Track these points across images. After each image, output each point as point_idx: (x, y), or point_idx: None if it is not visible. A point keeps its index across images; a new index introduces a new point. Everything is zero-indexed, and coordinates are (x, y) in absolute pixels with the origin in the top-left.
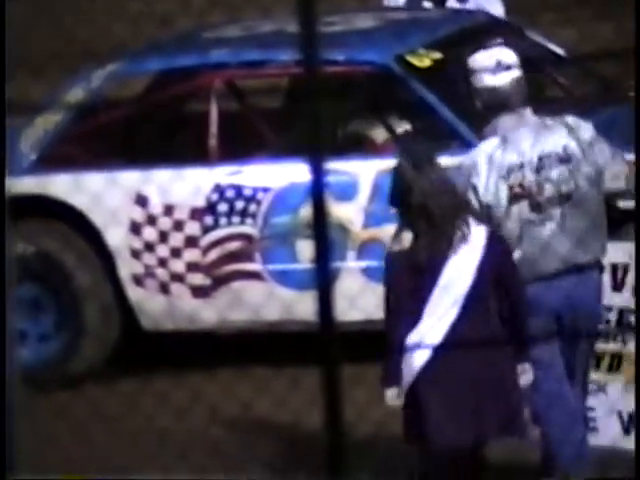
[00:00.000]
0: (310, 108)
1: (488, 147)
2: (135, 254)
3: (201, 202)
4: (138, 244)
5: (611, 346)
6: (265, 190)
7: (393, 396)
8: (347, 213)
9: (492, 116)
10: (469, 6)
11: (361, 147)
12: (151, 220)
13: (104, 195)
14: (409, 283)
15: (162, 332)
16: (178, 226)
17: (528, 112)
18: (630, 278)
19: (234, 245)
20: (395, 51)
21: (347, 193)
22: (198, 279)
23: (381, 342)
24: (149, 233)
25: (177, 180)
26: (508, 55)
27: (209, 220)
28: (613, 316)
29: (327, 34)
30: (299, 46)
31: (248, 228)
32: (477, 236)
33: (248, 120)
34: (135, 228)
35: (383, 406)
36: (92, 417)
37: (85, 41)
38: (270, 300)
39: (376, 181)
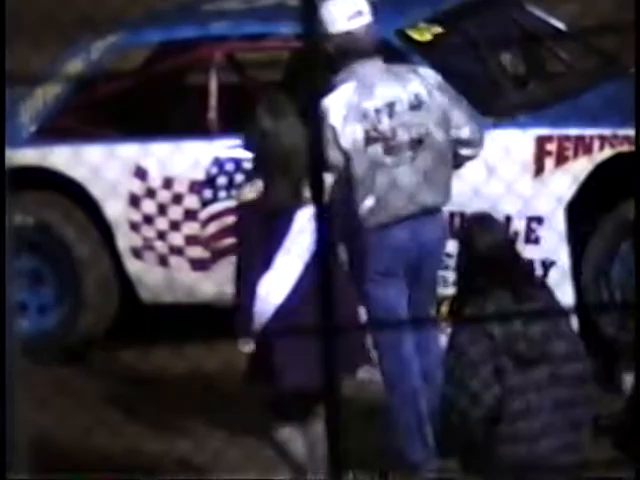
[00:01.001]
0: (310, 82)
1: (344, 91)
2: (134, 227)
3: (200, 175)
4: (137, 217)
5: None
6: None
7: (245, 342)
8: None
9: (347, 61)
10: None
11: None
12: (150, 193)
13: (103, 167)
14: (261, 231)
15: (161, 305)
16: (177, 199)
17: (379, 60)
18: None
19: (233, 218)
20: (395, 25)
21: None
22: (197, 252)
23: None
24: (148, 206)
25: (176, 153)
26: (360, 1)
27: (208, 193)
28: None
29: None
30: (299, 19)
31: None
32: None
33: (248, 93)
34: (134, 201)
35: None
36: (92, 388)
37: (85, 10)
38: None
39: None
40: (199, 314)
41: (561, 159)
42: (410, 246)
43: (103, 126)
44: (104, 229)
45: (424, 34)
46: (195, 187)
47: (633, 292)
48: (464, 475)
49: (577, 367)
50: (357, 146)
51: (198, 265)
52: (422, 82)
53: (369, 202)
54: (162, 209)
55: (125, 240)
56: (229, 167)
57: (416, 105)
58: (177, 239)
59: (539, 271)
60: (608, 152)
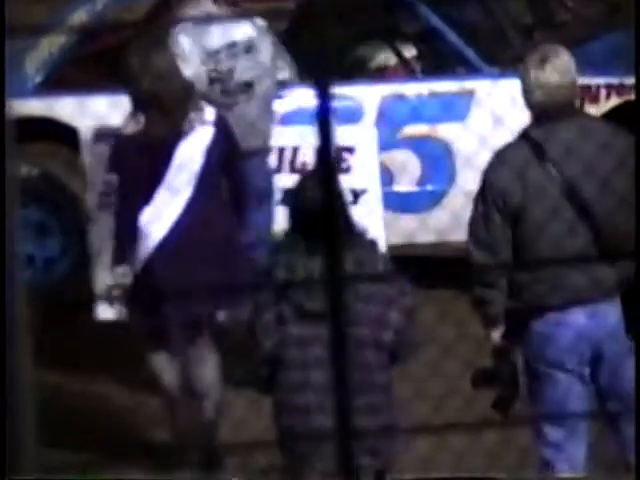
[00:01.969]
0: (317, 32)
1: (190, 33)
2: None
3: None
4: None
5: None
6: None
7: (121, 273)
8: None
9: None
10: None
11: (367, 72)
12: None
13: (108, 118)
14: (142, 164)
15: None
16: None
17: (210, 2)
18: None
19: None
20: None
21: (352, 118)
22: None
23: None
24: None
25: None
26: None
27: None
28: None
29: None
30: None
31: None
32: (207, 119)
33: None
34: None
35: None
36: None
37: None
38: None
39: (381, 106)
40: None
41: None
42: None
43: (108, 77)
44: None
45: None
46: None
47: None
48: None
49: (380, 333)
50: (200, 86)
51: None
52: (255, 28)
53: None
54: None
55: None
56: None
57: (248, 49)
58: None
59: (349, 198)
60: (615, 101)
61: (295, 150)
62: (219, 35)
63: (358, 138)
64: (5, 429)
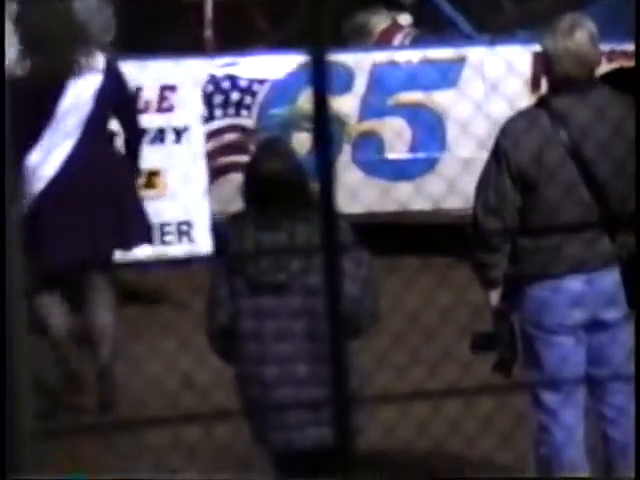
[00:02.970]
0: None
1: None
2: None
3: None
4: None
5: None
6: (261, 82)
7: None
8: (343, 106)
9: None
10: None
11: (360, 38)
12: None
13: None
14: (30, 106)
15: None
16: None
17: None
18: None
19: (230, 137)
20: None
21: (343, 85)
22: None
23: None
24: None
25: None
26: None
27: (204, 112)
28: None
29: None
30: None
31: (244, 120)
32: (97, 64)
33: (245, 10)
34: None
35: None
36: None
37: None
38: None
39: (372, 73)
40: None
41: None
42: None
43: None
44: None
45: None
46: None
47: None
48: None
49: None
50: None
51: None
52: None
53: None
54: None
55: None
56: (225, 85)
57: None
58: None
59: (171, 136)
60: (606, 67)
61: (137, 90)
62: None
63: (180, 76)
64: (5, 429)
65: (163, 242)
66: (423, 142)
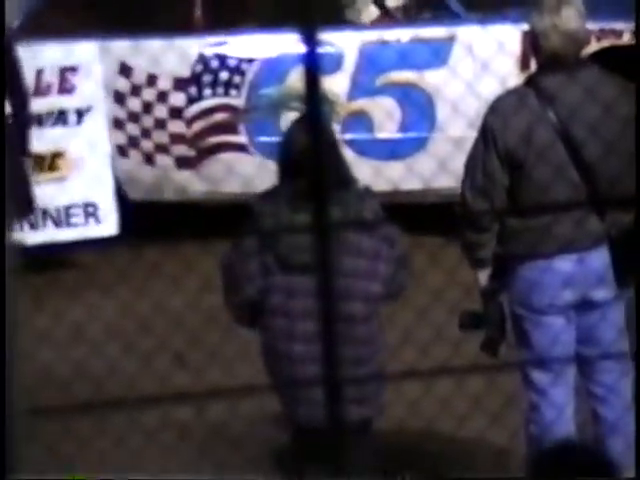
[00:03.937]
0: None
1: None
2: (119, 124)
3: (185, 72)
4: (122, 114)
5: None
6: (250, 61)
7: None
8: (332, 85)
9: None
10: None
11: (349, 18)
12: (135, 90)
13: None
14: None
15: (150, 203)
16: (162, 97)
17: None
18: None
19: (219, 116)
20: None
21: (332, 65)
22: (182, 150)
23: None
24: (133, 104)
25: (161, 50)
26: None
27: (193, 91)
28: None
29: None
30: None
31: (233, 99)
32: None
33: None
34: (119, 98)
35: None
36: (86, 287)
37: None
38: (258, 172)
39: (361, 52)
40: (190, 213)
41: None
42: None
43: (89, 23)
44: None
45: None
46: (180, 84)
47: None
48: None
49: (364, 285)
50: None
51: (184, 163)
52: None
53: None
54: (147, 107)
55: (111, 138)
56: (214, 64)
57: None
58: (162, 137)
59: (73, 118)
60: (595, 46)
61: (39, 73)
62: None
63: (80, 56)
64: (4, 429)
65: (69, 224)
66: (413, 121)
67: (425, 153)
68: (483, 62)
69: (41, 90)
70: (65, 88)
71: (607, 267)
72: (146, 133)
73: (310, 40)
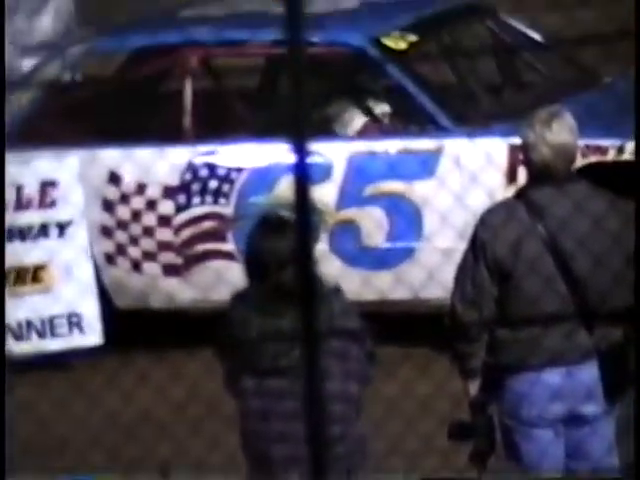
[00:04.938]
0: (294, 89)
1: None
2: (107, 232)
3: (174, 181)
4: (111, 222)
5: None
6: (239, 170)
7: None
8: (321, 195)
9: None
10: None
11: (337, 129)
12: (124, 199)
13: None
14: None
15: (137, 311)
16: (151, 205)
17: None
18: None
19: (207, 225)
20: (372, 33)
21: (321, 175)
22: (170, 258)
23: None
24: (122, 212)
25: (151, 159)
26: None
27: (182, 199)
28: None
29: (307, 15)
30: (283, 27)
31: (221, 208)
32: None
33: (224, 100)
34: (108, 206)
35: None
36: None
37: None
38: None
39: (350, 162)
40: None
41: None
42: None
43: (78, 131)
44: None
45: (399, 42)
46: (169, 193)
47: None
48: None
49: (347, 386)
50: None
51: (171, 271)
52: None
53: None
54: (136, 215)
55: (99, 246)
56: (203, 173)
57: None
58: (150, 245)
59: (55, 231)
60: (580, 162)
61: (19, 189)
62: None
63: (59, 171)
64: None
65: (53, 334)
66: (401, 231)
67: (413, 263)
68: (471, 174)
69: (22, 204)
70: (46, 202)
71: (596, 381)
72: (134, 241)
73: (300, 150)
